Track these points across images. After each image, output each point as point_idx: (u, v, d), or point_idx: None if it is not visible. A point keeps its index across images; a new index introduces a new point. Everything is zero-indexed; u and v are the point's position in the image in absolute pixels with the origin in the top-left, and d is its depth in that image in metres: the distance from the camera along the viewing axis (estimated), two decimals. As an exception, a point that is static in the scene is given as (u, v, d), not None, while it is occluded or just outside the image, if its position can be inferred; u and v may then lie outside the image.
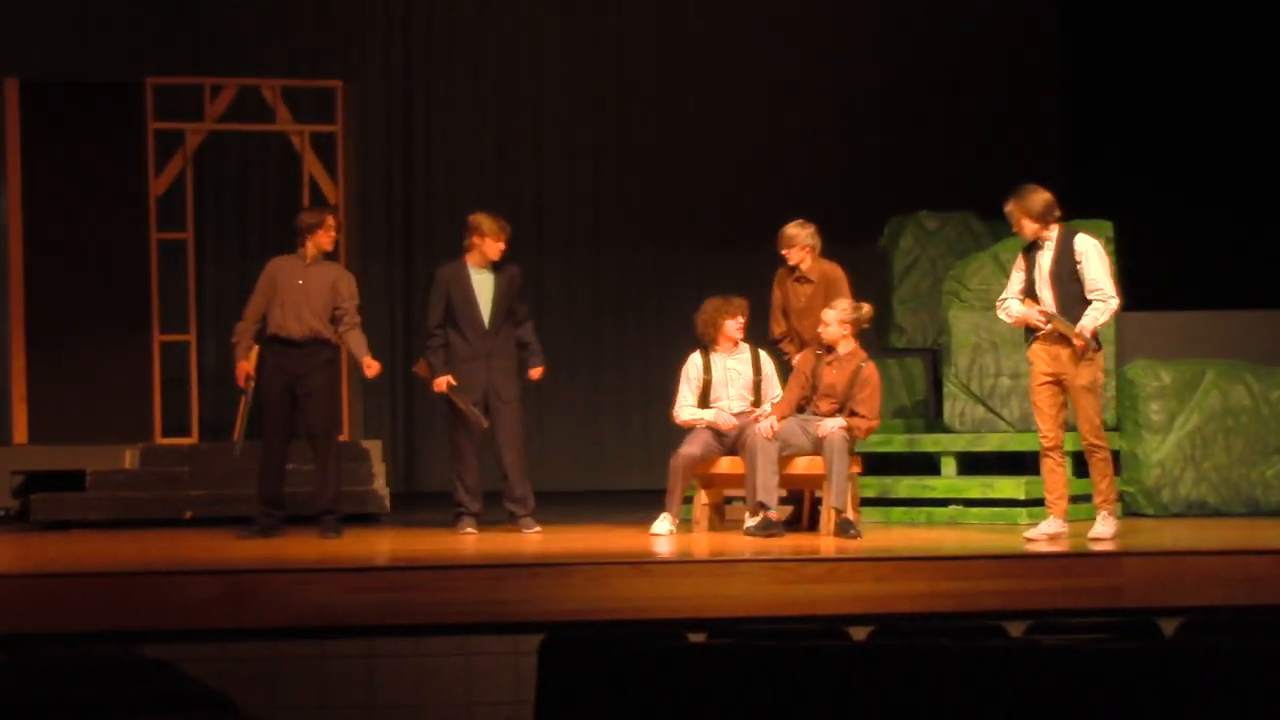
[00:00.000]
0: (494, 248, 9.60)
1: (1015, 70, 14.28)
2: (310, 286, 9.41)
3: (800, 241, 9.66)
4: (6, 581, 7.51)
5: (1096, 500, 8.66)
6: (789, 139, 14.15)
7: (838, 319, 9.31)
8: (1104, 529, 8.53)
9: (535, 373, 9.74)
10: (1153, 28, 12.85)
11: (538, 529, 9.50)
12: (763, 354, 9.65)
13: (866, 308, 9.47)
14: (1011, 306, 8.70)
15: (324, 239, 9.54)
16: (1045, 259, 8.60)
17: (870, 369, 9.37)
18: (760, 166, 14.10)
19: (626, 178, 14.24)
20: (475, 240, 9.61)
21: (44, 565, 8.46)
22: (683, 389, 9.64)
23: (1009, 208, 8.63)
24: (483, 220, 9.64)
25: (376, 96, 13.81)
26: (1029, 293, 8.66)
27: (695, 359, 9.65)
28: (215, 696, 4.62)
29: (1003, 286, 10.43)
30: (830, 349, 9.37)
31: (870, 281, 11.28)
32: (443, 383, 9.54)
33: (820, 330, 9.38)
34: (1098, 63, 13.50)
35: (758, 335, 9.89)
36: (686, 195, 14.15)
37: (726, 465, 9.46)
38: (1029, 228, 8.60)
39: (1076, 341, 8.49)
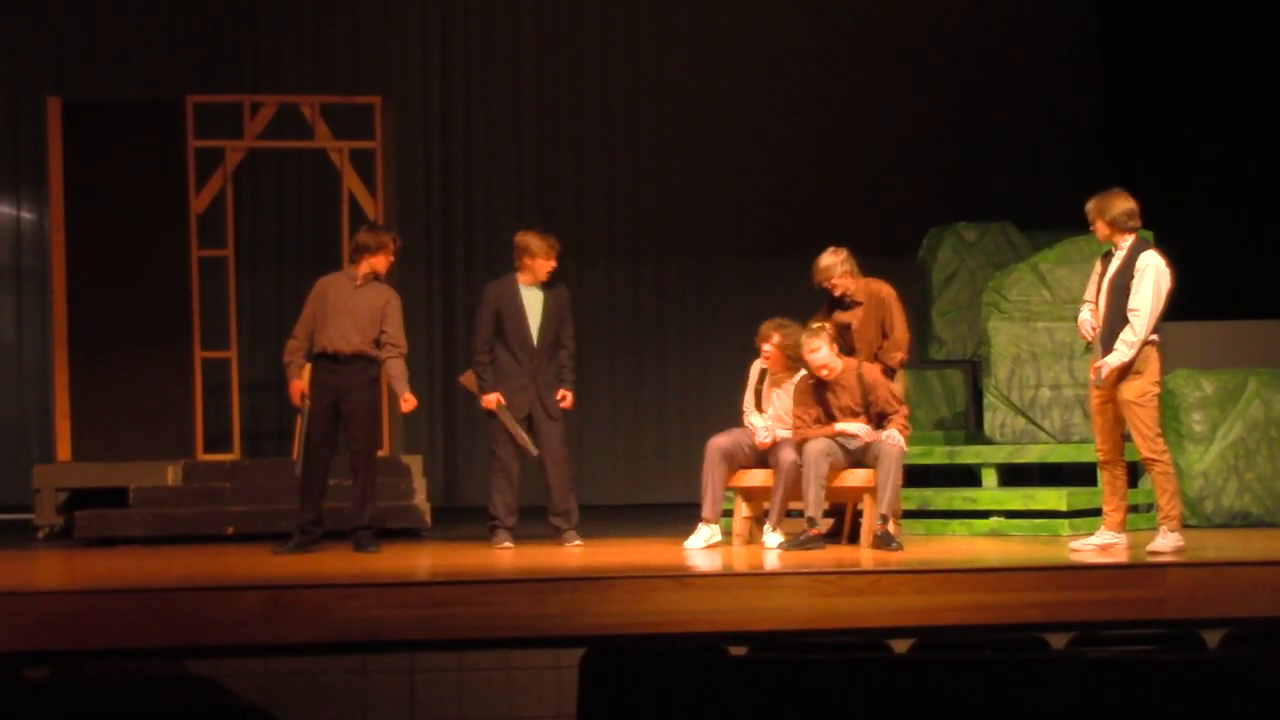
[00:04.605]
0: (544, 267, 9.56)
1: (1055, 79, 14.25)
2: (359, 306, 9.42)
3: (837, 271, 9.46)
4: (52, 598, 7.55)
5: (1158, 516, 8.58)
6: (828, 152, 14.14)
7: (826, 350, 9.12)
8: (1162, 543, 8.38)
9: (566, 400, 9.62)
10: (1195, 36, 12.81)
11: (579, 542, 9.50)
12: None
13: (827, 324, 9.29)
14: (1082, 313, 8.64)
15: (380, 262, 9.53)
16: (1112, 266, 8.52)
17: (868, 369, 9.27)
18: (800, 180, 14.09)
19: (665, 192, 14.25)
20: (526, 261, 9.57)
21: (88, 581, 8.50)
22: (748, 391, 9.65)
23: (1090, 204, 8.55)
24: (530, 240, 9.59)
25: (415, 112, 13.87)
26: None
27: (757, 364, 9.63)
28: (257, 711, 4.63)
29: (1041, 298, 10.44)
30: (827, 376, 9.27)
31: (909, 293, 11.25)
32: (492, 400, 9.53)
33: (824, 375, 9.20)
34: (1139, 71, 13.45)
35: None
36: (726, 210, 14.16)
37: (763, 478, 9.43)
38: (1101, 230, 8.52)
39: (1091, 374, 8.49)
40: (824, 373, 9.20)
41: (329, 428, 9.48)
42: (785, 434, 9.37)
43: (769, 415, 9.52)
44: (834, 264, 9.50)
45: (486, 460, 9.89)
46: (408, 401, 9.48)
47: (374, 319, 9.42)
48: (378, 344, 9.44)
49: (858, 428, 9.17)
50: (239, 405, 11.62)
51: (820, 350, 9.15)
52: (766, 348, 9.48)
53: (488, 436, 9.86)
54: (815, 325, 9.31)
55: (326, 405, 9.42)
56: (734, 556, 9.00)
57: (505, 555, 9.21)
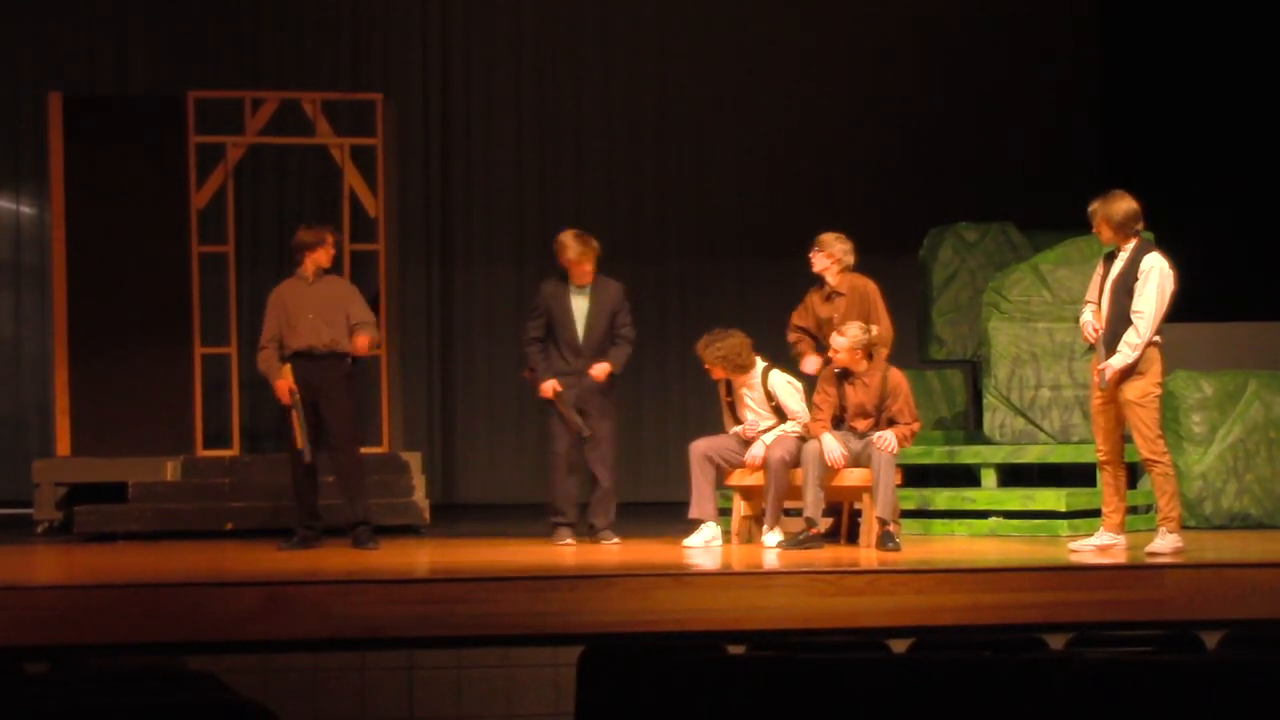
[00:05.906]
0: (578, 271, 9.55)
1: (1056, 79, 14.26)
2: (321, 301, 9.49)
3: (826, 247, 9.54)
4: (50, 593, 7.56)
5: (1158, 517, 8.59)
6: (829, 152, 14.15)
7: (847, 346, 9.20)
8: (1160, 544, 8.39)
9: (598, 368, 9.57)
10: (1194, 39, 12.81)
11: (616, 540, 9.53)
12: (772, 376, 9.56)
13: (876, 329, 9.32)
14: (1084, 314, 8.65)
15: (322, 257, 9.61)
16: (1115, 268, 8.53)
17: (895, 376, 9.30)
18: (801, 180, 14.10)
19: (666, 191, 14.26)
20: (562, 264, 9.59)
21: (87, 577, 8.50)
22: (724, 409, 9.70)
23: (1093, 208, 8.53)
24: (566, 241, 9.59)
25: (416, 109, 13.87)
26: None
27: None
28: (256, 708, 4.63)
29: (1042, 299, 10.43)
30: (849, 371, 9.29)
31: (909, 293, 11.26)
32: (549, 387, 9.54)
33: (831, 355, 9.31)
34: (1138, 73, 13.46)
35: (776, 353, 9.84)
36: (726, 209, 14.16)
37: (761, 478, 9.43)
38: (1105, 232, 8.52)
39: (1095, 376, 8.50)
40: (830, 352, 9.26)
41: (312, 423, 9.49)
42: (769, 437, 9.38)
43: (749, 417, 9.52)
44: (828, 241, 9.56)
45: (545, 457, 9.85)
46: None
47: (339, 307, 9.50)
48: (350, 334, 9.48)
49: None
50: (239, 401, 11.61)
51: (844, 338, 9.19)
52: (707, 369, 9.53)
53: (542, 431, 9.81)
54: (870, 325, 9.30)
55: (307, 403, 9.44)
56: (733, 555, 9.01)
57: (566, 553, 9.18)
